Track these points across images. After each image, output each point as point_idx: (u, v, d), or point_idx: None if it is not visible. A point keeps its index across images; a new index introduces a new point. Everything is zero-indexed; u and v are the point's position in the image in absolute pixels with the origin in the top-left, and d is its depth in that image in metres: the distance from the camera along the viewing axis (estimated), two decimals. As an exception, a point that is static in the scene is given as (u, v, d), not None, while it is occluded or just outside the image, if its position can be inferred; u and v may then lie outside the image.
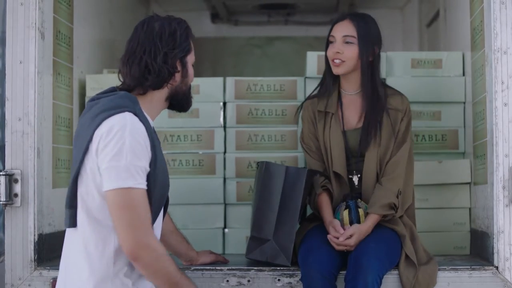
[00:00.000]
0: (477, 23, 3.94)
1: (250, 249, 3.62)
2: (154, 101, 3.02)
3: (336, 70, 3.69)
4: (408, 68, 4.35)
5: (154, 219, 2.91)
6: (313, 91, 3.86)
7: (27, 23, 3.66)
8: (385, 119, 3.65)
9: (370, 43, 3.64)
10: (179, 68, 3.00)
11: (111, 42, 5.24)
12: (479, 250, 3.95)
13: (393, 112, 3.66)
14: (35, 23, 3.66)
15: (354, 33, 3.63)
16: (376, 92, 3.67)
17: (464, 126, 4.28)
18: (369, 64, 3.67)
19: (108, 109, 2.87)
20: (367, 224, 3.53)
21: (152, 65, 2.94)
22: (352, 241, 3.46)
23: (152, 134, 2.90)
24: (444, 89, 4.31)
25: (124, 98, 2.92)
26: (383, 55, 4.30)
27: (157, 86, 2.98)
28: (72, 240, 2.98)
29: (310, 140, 3.76)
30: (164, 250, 2.88)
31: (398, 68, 4.34)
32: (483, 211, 3.87)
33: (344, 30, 3.65)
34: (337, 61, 3.66)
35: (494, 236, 3.60)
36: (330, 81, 3.76)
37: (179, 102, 3.10)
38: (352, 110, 3.73)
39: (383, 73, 4.29)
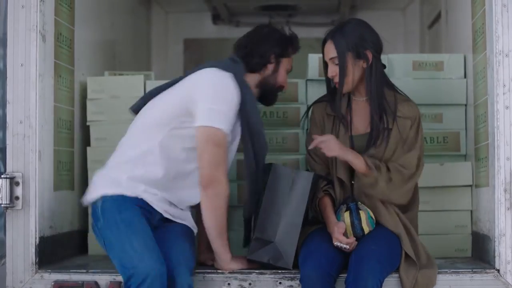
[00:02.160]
0: (478, 26, 3.92)
1: (252, 249, 3.60)
2: (251, 82, 3.68)
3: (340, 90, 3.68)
4: (410, 70, 4.32)
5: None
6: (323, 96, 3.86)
7: (28, 26, 3.66)
8: (394, 127, 3.64)
9: (354, 53, 3.61)
10: (272, 61, 3.69)
11: (112, 44, 5.24)
12: (480, 252, 3.94)
13: (402, 120, 3.65)
14: (36, 26, 3.66)
15: (336, 53, 3.63)
16: (382, 97, 3.65)
17: (466, 129, 4.26)
18: (369, 70, 3.64)
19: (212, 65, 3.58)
20: (347, 151, 3.57)
21: (254, 51, 3.69)
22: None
23: (246, 95, 3.52)
24: (446, 91, 4.29)
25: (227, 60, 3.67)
26: (384, 57, 4.26)
27: (252, 69, 3.69)
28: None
29: None
30: (229, 194, 3.48)
31: (399, 70, 4.31)
32: (484, 214, 3.86)
33: (329, 52, 3.67)
34: (336, 82, 3.67)
35: (495, 239, 3.59)
36: (331, 90, 3.78)
37: (265, 93, 3.73)
38: (361, 116, 3.72)
39: (384, 75, 4.28)
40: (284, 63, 3.77)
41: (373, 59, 3.64)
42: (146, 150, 3.49)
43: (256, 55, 3.68)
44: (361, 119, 3.72)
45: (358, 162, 3.55)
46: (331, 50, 3.65)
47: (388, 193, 3.60)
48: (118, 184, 3.47)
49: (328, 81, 3.79)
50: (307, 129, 3.94)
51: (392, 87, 3.75)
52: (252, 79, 3.70)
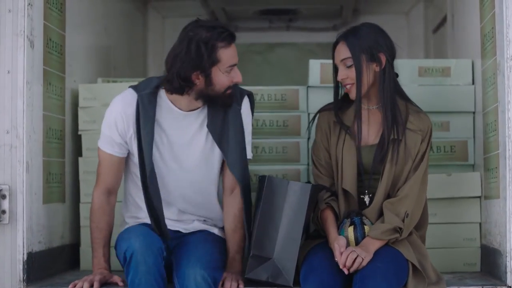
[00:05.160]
0: (488, 30, 3.79)
1: (250, 268, 3.46)
2: (183, 99, 3.46)
3: (351, 95, 3.53)
4: (415, 76, 4.20)
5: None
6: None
7: (15, 31, 3.54)
8: (403, 139, 3.48)
9: (368, 55, 3.47)
10: (197, 79, 3.36)
11: (106, 50, 5.12)
12: (490, 267, 3.81)
13: (411, 134, 3.49)
14: (24, 31, 3.54)
15: (349, 54, 3.47)
16: (395, 106, 3.50)
17: (474, 137, 4.14)
18: (381, 74, 3.49)
19: None
20: (368, 248, 3.36)
21: (170, 76, 3.41)
22: (355, 266, 3.29)
23: (144, 113, 3.43)
24: (453, 98, 4.16)
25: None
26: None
27: (179, 93, 3.43)
28: None
29: (320, 152, 3.60)
30: (95, 206, 3.53)
31: (405, 76, 4.16)
32: (495, 227, 3.73)
33: (340, 54, 3.51)
34: (347, 86, 3.52)
35: (507, 254, 3.48)
36: (337, 99, 3.62)
37: (211, 101, 3.46)
38: (370, 125, 3.56)
39: (388, 82, 4.15)
40: (218, 68, 3.39)
41: (386, 63, 3.49)
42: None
43: (175, 79, 3.38)
44: (370, 129, 3.56)
45: (378, 244, 3.39)
46: (343, 51, 3.50)
47: (415, 220, 3.51)
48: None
49: (337, 87, 3.62)
50: (308, 138, 3.82)
51: (404, 96, 3.60)
52: (186, 97, 3.46)
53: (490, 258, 3.82)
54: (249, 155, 3.62)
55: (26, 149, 3.53)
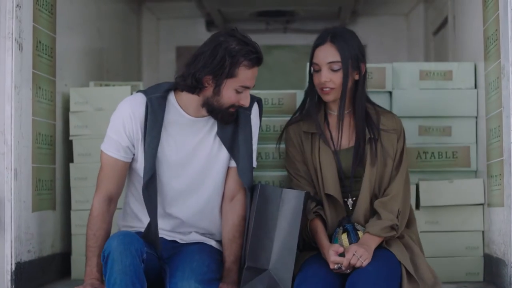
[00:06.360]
0: (491, 32, 3.69)
1: (245, 280, 3.34)
2: (189, 100, 3.38)
3: (326, 98, 3.47)
4: (416, 80, 4.09)
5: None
6: (294, 114, 3.65)
7: (3, 34, 3.45)
8: (379, 139, 3.44)
9: (354, 63, 3.42)
10: (208, 84, 3.30)
11: (98, 52, 5.02)
12: (494, 277, 3.71)
13: (386, 134, 3.45)
14: (12, 33, 3.45)
15: (338, 58, 3.40)
16: (365, 109, 3.46)
17: (477, 143, 4.03)
18: (361, 82, 3.46)
19: None
20: (370, 245, 3.27)
21: (186, 72, 3.33)
22: (363, 262, 3.21)
23: (152, 117, 3.34)
24: (455, 103, 4.06)
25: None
26: (388, 66, 4.08)
27: (187, 90, 3.36)
28: None
29: (297, 165, 3.53)
30: (95, 213, 3.33)
31: (405, 80, 4.09)
32: (498, 236, 3.62)
33: (328, 56, 3.42)
34: (326, 89, 3.44)
35: (511, 265, 3.38)
36: (313, 103, 3.55)
37: (212, 113, 3.37)
38: (343, 129, 3.49)
39: (389, 86, 4.07)
40: (231, 83, 3.32)
41: (364, 73, 3.46)
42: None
43: (189, 77, 3.32)
44: (343, 133, 3.50)
45: (377, 241, 3.32)
46: (332, 54, 3.41)
47: (405, 217, 3.44)
48: None
49: (312, 93, 3.54)
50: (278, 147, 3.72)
51: (370, 101, 3.56)
52: (193, 98, 3.38)
53: (493, 268, 3.73)
54: (254, 163, 3.52)
55: (14, 155, 3.44)
